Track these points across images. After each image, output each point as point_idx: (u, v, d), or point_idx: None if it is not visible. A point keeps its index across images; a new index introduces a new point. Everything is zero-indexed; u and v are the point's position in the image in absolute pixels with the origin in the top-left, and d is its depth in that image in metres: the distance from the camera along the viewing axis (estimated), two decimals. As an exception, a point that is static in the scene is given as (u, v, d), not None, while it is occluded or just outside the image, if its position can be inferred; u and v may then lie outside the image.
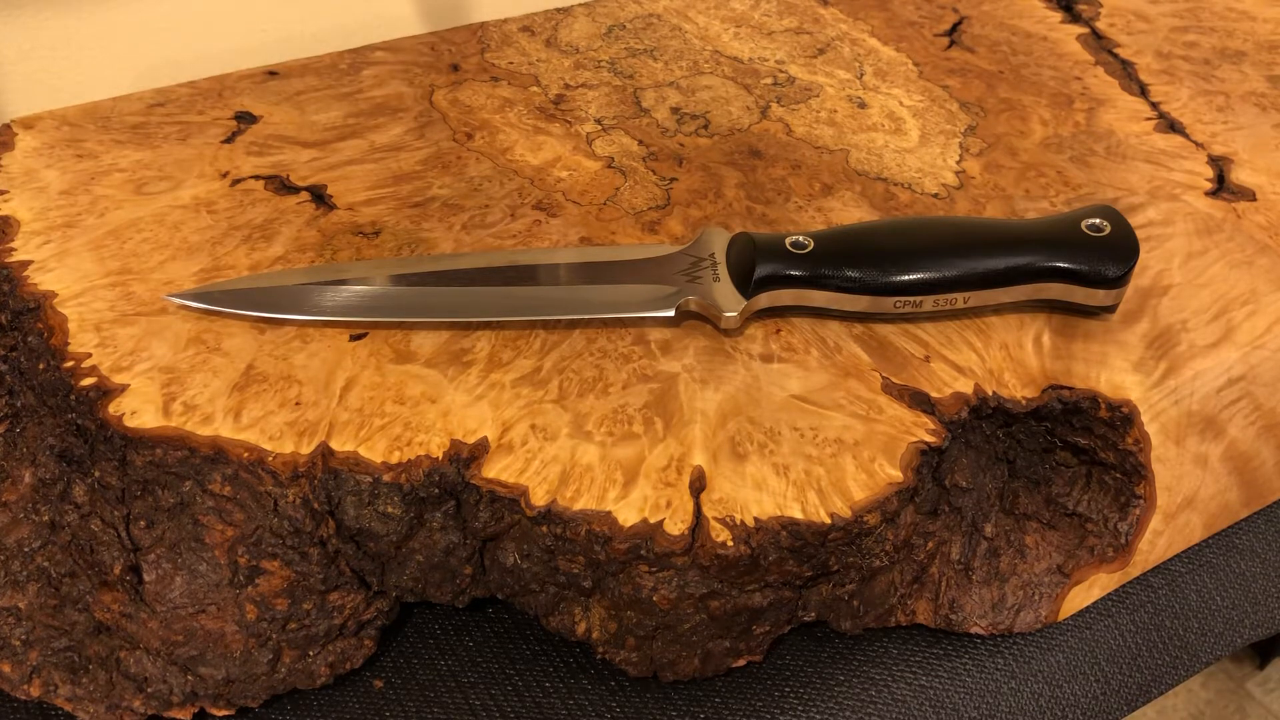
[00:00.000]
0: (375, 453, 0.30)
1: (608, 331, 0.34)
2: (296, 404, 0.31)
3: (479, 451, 0.30)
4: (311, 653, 0.30)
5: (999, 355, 0.33)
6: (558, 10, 0.54)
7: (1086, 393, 0.32)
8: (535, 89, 0.47)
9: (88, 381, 0.31)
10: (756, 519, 0.28)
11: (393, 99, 0.46)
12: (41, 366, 0.32)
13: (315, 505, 0.29)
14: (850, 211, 0.40)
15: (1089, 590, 0.33)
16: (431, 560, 0.30)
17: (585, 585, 0.29)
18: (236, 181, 0.41)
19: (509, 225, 0.39)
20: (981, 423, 0.32)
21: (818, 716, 0.32)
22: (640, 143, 0.44)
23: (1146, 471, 0.33)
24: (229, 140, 0.43)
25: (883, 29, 0.53)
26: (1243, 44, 0.51)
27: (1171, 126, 0.45)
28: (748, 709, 0.31)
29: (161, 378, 0.32)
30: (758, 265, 0.33)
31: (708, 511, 0.29)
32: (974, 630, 0.33)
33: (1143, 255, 0.37)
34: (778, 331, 0.34)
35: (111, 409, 0.31)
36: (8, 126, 0.44)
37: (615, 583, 0.29)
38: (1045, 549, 0.33)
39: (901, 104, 0.46)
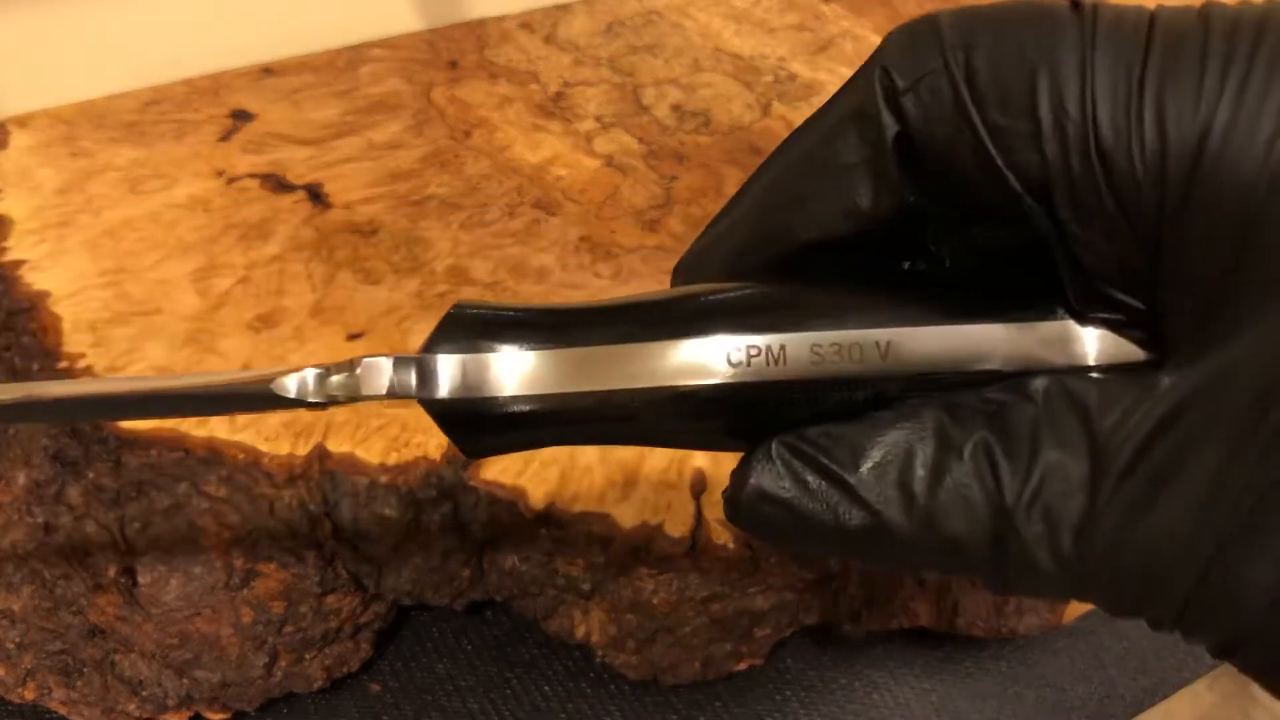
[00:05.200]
0: (372, 454, 0.29)
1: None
2: (293, 405, 0.31)
3: (477, 453, 0.30)
4: (308, 656, 0.30)
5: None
6: (557, 7, 0.54)
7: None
8: (534, 86, 0.47)
9: (82, 382, 0.31)
10: (758, 521, 0.28)
11: (390, 96, 0.46)
12: (36, 367, 0.32)
13: (312, 507, 0.29)
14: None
15: (1093, 593, 0.33)
16: (429, 563, 0.30)
17: (585, 588, 0.29)
18: (232, 180, 0.40)
19: (508, 224, 0.38)
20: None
21: (820, 720, 0.31)
22: (640, 141, 0.43)
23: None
24: (225, 138, 0.43)
25: (885, 25, 0.52)
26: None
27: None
28: (749, 713, 0.31)
29: (156, 378, 0.31)
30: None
31: (709, 514, 0.28)
32: (977, 633, 0.32)
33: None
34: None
35: (106, 410, 0.30)
36: (2, 125, 0.43)
37: (615, 586, 0.29)
38: (1049, 551, 0.32)
39: (904, 101, 0.46)
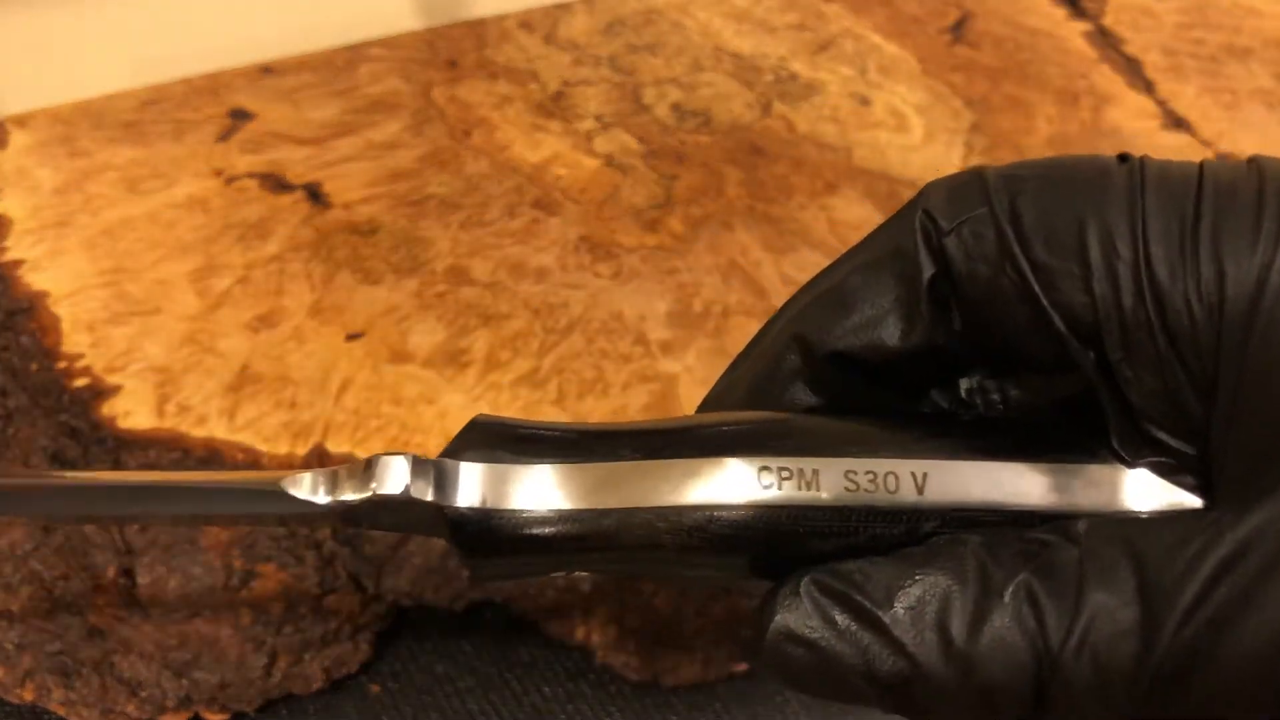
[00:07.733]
0: (371, 454, 0.29)
1: (607, 331, 0.34)
2: (292, 405, 0.31)
3: (477, 453, 0.29)
4: (307, 657, 0.30)
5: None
6: (557, 6, 0.54)
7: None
8: (534, 86, 0.47)
9: (81, 382, 0.31)
10: (758, 522, 0.28)
11: (389, 96, 0.46)
12: (35, 367, 0.32)
13: (310, 508, 0.29)
14: (854, 209, 0.39)
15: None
16: (429, 563, 0.30)
17: (585, 589, 0.29)
18: (231, 179, 0.40)
19: (507, 224, 0.38)
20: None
21: (820, 722, 0.31)
22: (640, 140, 0.43)
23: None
24: (224, 138, 0.43)
25: (886, 25, 0.52)
26: (1250, 41, 0.51)
27: (1178, 124, 0.45)
28: (749, 714, 0.31)
29: (155, 378, 0.31)
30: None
31: (709, 514, 0.28)
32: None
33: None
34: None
35: (105, 410, 0.30)
36: (0, 124, 0.43)
37: (615, 586, 0.29)
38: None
39: (905, 101, 0.46)
